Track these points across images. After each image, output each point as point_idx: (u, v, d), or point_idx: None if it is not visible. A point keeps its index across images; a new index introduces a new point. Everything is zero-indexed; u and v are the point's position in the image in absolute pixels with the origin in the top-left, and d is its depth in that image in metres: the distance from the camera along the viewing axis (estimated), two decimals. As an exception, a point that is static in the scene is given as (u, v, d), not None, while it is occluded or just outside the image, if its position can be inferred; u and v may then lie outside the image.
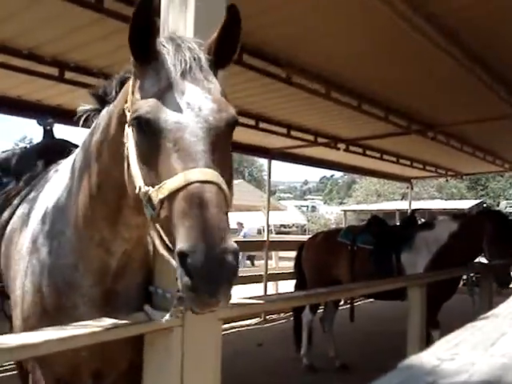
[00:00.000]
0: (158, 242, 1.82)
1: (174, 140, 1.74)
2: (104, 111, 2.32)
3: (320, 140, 10.42)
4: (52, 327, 2.12)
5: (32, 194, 2.89)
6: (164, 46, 1.92)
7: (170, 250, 1.73)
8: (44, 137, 3.88)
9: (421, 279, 5.60)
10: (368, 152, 11.68)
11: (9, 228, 2.87)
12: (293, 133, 9.68)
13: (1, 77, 6.12)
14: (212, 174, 1.69)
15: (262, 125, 8.93)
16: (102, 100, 2.36)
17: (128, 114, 1.92)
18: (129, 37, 1.85)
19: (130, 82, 2.01)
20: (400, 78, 6.99)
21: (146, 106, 1.80)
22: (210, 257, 1.54)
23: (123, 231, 2.28)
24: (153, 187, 1.75)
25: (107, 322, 2.26)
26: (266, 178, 14.48)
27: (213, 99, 1.84)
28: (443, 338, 1.10)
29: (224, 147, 1.85)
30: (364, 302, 11.46)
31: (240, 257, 1.76)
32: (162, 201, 1.71)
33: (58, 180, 2.65)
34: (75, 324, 2.18)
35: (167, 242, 1.75)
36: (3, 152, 3.85)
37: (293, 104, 8.01)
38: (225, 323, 3.01)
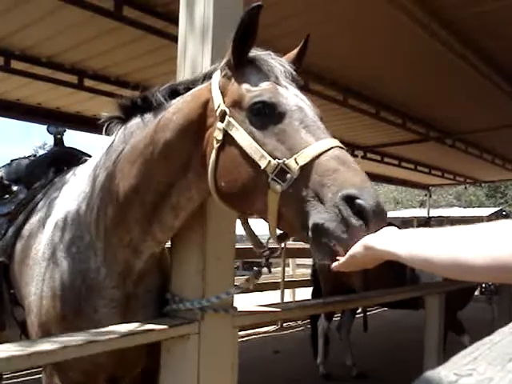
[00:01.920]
0: (272, 222, 1.90)
1: (299, 119, 1.92)
2: (138, 120, 2.38)
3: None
4: (70, 333, 2.12)
5: (45, 202, 2.89)
6: (257, 53, 2.12)
7: (301, 224, 1.78)
8: (54, 145, 3.88)
9: (439, 288, 5.55)
10: (386, 159, 11.65)
11: (22, 235, 2.87)
12: (310, 140, 9.68)
13: (21, 84, 6.20)
14: (341, 145, 1.86)
15: (279, 132, 8.94)
16: (130, 110, 2.41)
17: (224, 109, 2.04)
18: (233, 40, 2.02)
19: (214, 86, 2.13)
20: (418, 85, 6.96)
21: (268, 92, 1.98)
22: (378, 203, 1.64)
23: (157, 232, 2.33)
24: (285, 159, 1.83)
25: (124, 328, 2.26)
26: (283, 185, 14.44)
27: (307, 97, 2.08)
28: (461, 352, 1.09)
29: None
30: (382, 310, 11.39)
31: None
32: (303, 167, 1.79)
33: (75, 186, 2.66)
34: (93, 331, 2.18)
35: (287, 217, 1.84)
36: (13, 160, 3.86)
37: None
38: (241, 330, 3.01)
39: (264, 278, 14.50)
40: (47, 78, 5.98)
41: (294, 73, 2.15)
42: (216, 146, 2.04)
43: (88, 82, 6.14)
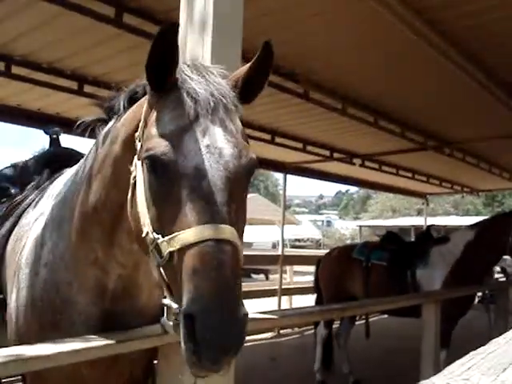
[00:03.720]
0: (163, 287, 1.72)
1: (190, 188, 1.60)
2: (110, 125, 2.21)
3: (336, 155, 10.43)
4: (66, 339, 2.11)
5: (35, 203, 2.81)
6: (187, 75, 1.77)
7: (173, 297, 1.65)
8: (50, 145, 3.85)
9: (435, 296, 5.57)
10: (384, 167, 11.67)
11: (11, 238, 2.79)
12: (309, 148, 9.71)
13: (21, 90, 6.21)
14: (228, 233, 1.57)
15: (278, 139, 8.97)
16: (110, 111, 2.27)
17: (138, 145, 1.79)
18: (147, 64, 1.70)
19: (144, 109, 1.86)
20: (417, 94, 7.00)
21: (163, 145, 1.65)
22: (219, 326, 1.44)
23: (118, 255, 2.17)
24: (162, 236, 1.63)
25: (121, 334, 2.27)
26: (281, 192, 14.50)
27: (234, 143, 1.69)
28: (456, 361, 1.11)
29: (241, 195, 1.73)
30: (379, 318, 11.38)
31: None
32: (171, 253, 1.59)
33: (58, 191, 2.56)
34: (89, 337, 2.17)
35: (172, 289, 1.66)
36: (13, 164, 3.83)
37: (309, 119, 8.04)
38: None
39: (261, 285, 14.50)
40: (47, 83, 6.00)
41: (231, 100, 1.77)
42: (132, 182, 1.83)
43: (88, 88, 6.15)
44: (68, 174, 2.63)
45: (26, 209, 2.88)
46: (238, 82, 1.86)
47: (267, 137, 8.74)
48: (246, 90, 1.86)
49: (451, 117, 8.17)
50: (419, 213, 37.76)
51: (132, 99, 2.12)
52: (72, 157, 3.08)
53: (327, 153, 10.27)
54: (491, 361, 1.14)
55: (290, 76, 6.18)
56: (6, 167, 3.78)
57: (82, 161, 2.46)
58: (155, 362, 2.73)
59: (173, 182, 1.64)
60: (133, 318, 2.37)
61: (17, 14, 4.58)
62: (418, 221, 26.74)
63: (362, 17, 4.73)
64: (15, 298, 2.43)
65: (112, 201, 2.07)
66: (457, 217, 36.72)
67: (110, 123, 2.23)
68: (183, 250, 1.56)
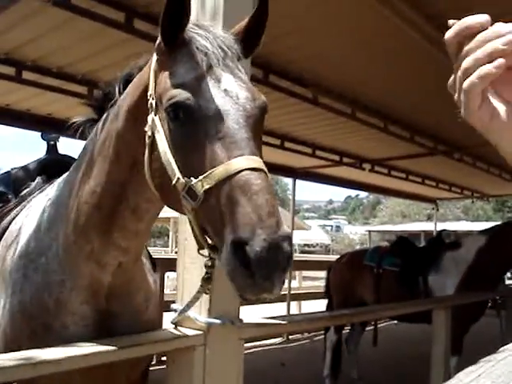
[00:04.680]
0: (197, 233, 1.75)
1: (216, 127, 1.67)
2: (106, 115, 2.24)
3: (345, 160, 10.42)
4: (74, 343, 2.11)
5: (26, 210, 2.77)
6: (194, 32, 1.85)
7: (207, 244, 1.72)
8: (48, 152, 3.84)
9: (446, 301, 5.53)
10: (393, 172, 11.64)
11: (1, 244, 2.74)
12: (318, 153, 9.70)
13: (32, 95, 6.25)
14: (259, 162, 1.64)
15: (287, 144, 8.97)
16: (100, 109, 2.31)
17: (153, 102, 1.84)
18: (161, 20, 1.77)
19: (151, 71, 1.92)
20: (427, 99, 6.97)
21: (185, 92, 1.72)
22: (269, 244, 1.47)
23: (119, 239, 2.16)
24: (194, 177, 1.66)
25: (130, 339, 2.27)
26: (290, 197, 14.47)
27: (247, 88, 1.80)
28: (466, 369, 1.09)
29: (259, 135, 1.81)
30: (390, 324, 11.34)
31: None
32: (208, 191, 1.63)
33: (50, 195, 2.54)
34: (98, 341, 2.17)
35: (206, 236, 1.71)
36: (13, 169, 3.83)
37: (318, 124, 8.03)
38: (247, 342, 3.00)
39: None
40: (58, 88, 6.03)
41: (240, 54, 1.89)
42: (148, 141, 1.86)
43: (98, 93, 6.17)
44: (61, 178, 2.62)
45: (17, 214, 2.85)
46: (239, 36, 1.95)
47: (276, 142, 8.74)
48: (246, 44, 1.94)
49: (461, 122, 8.10)
50: (429, 218, 37.62)
51: (127, 82, 2.17)
52: (68, 164, 3.08)
53: (337, 158, 10.25)
54: (502, 368, 1.13)
55: (298, 81, 6.18)
56: (5, 172, 3.78)
57: (75, 162, 2.46)
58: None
59: (198, 125, 1.70)
60: (127, 319, 2.36)
61: (27, 20, 4.61)
62: (428, 226, 26.63)
63: (371, 22, 4.73)
64: (3, 304, 2.39)
65: (113, 181, 2.09)
66: (467, 222, 36.57)
67: (106, 113, 2.25)
68: (220, 184, 1.60)
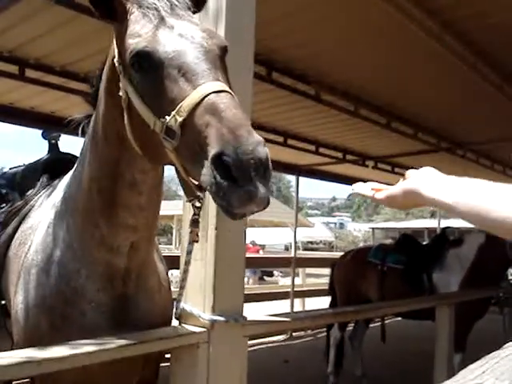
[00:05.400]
0: (183, 176, 1.83)
1: (177, 66, 1.75)
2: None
3: (348, 157, 10.40)
4: (78, 341, 2.12)
5: (36, 208, 2.86)
6: None
7: (194, 184, 1.79)
8: (49, 151, 3.84)
9: (449, 298, 5.53)
10: (397, 169, 11.62)
11: (13, 243, 2.83)
12: (321, 150, 9.68)
13: (35, 93, 6.25)
14: (222, 85, 1.72)
15: (290, 141, 8.97)
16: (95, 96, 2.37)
17: (120, 66, 1.94)
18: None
19: (113, 46, 2.05)
20: (429, 95, 6.95)
21: (142, 41, 1.81)
22: (244, 150, 1.53)
23: (127, 217, 2.23)
24: (168, 116, 1.73)
25: (134, 336, 2.27)
26: (293, 194, 14.49)
27: (201, 29, 1.89)
28: (470, 366, 1.10)
29: (223, 71, 1.86)
30: (393, 321, 11.33)
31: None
32: (182, 124, 1.69)
33: (60, 192, 2.62)
34: (101, 338, 2.18)
35: (191, 165, 1.73)
36: (11, 168, 3.82)
37: (321, 121, 8.02)
38: (251, 339, 3.01)
39: (274, 288, 14.49)
40: (61, 86, 6.03)
41: (187, 2, 2.00)
42: (125, 105, 1.95)
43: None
44: (68, 175, 2.69)
45: (27, 214, 2.93)
46: None
47: (280, 139, 8.73)
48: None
49: (464, 118, 8.12)
50: (432, 215, 37.59)
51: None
52: (71, 162, 3.11)
53: (340, 155, 10.24)
54: (505, 365, 1.13)
55: (301, 78, 6.18)
56: (5, 172, 3.78)
57: (78, 158, 2.53)
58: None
59: (160, 69, 1.77)
60: (143, 302, 2.42)
61: (30, 18, 4.61)
62: (432, 223, 26.63)
63: (374, 19, 4.71)
64: (22, 299, 2.44)
65: (107, 160, 2.18)
66: (471, 219, 36.43)
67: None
68: (192, 113, 1.67)
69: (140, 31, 1.85)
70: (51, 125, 7.01)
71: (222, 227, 2.51)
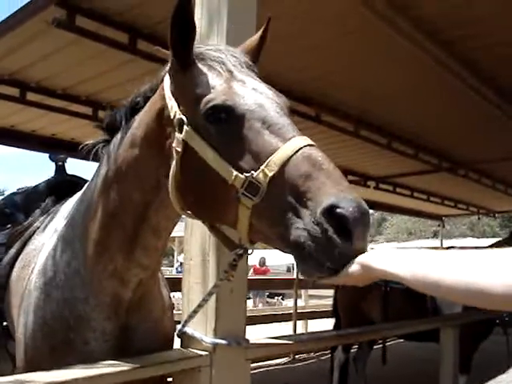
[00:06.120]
0: (243, 231, 1.72)
1: (260, 119, 1.71)
2: (115, 140, 2.26)
3: (349, 178, 10.39)
4: (78, 365, 2.09)
5: (41, 230, 2.84)
6: (203, 48, 1.95)
7: (278, 237, 1.63)
8: (56, 172, 3.85)
9: (453, 320, 5.48)
10: (398, 189, 11.62)
11: (17, 265, 2.81)
12: (322, 170, 9.67)
13: (36, 116, 6.28)
14: (310, 140, 1.67)
15: (291, 162, 8.96)
16: (111, 131, 2.32)
17: (180, 117, 1.85)
18: (170, 38, 1.83)
19: (166, 93, 1.96)
20: (430, 116, 6.98)
21: (220, 95, 1.77)
22: (356, 204, 1.48)
23: (142, 257, 2.19)
24: (253, 170, 1.64)
25: (135, 361, 2.24)
26: (295, 215, 14.37)
27: (269, 87, 1.88)
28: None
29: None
30: (397, 342, 11.23)
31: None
32: (271, 178, 1.60)
33: (66, 214, 2.59)
34: (103, 363, 2.15)
35: (277, 228, 1.62)
36: (19, 189, 3.83)
37: (322, 142, 8.01)
38: (253, 362, 2.97)
39: (276, 310, 14.38)
40: (62, 109, 6.06)
41: (251, 63, 1.98)
42: (176, 157, 1.85)
43: (103, 114, 6.20)
44: (74, 197, 2.65)
45: (31, 235, 2.91)
46: (249, 50, 2.08)
47: (280, 160, 8.74)
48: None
49: (465, 138, 8.13)
50: (435, 235, 37.49)
51: (134, 110, 2.20)
52: (77, 184, 3.09)
53: (341, 176, 10.24)
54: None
55: (302, 100, 6.19)
56: (12, 193, 3.79)
57: (88, 183, 2.48)
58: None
59: (242, 120, 1.73)
60: (145, 332, 2.39)
61: (32, 42, 4.64)
62: (434, 243, 26.52)
63: (375, 40, 4.74)
64: (24, 322, 2.42)
65: (136, 202, 2.11)
66: (473, 239, 36.36)
67: (116, 137, 2.26)
68: (284, 167, 1.60)
69: (212, 83, 1.82)
70: (52, 147, 7.05)
71: (223, 250, 2.49)
